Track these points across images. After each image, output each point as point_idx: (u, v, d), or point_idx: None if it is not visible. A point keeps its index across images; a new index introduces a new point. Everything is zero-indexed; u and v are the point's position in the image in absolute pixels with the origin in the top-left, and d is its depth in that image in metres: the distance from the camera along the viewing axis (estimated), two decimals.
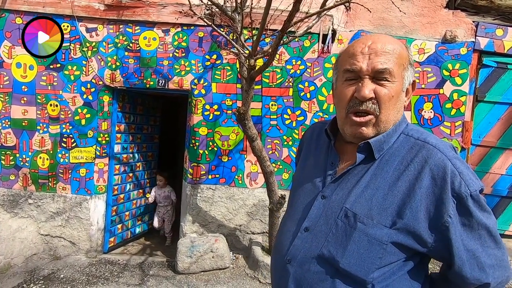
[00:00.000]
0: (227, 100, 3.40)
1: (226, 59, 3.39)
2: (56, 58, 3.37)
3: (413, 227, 0.70)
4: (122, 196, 3.74)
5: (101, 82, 3.40)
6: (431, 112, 3.35)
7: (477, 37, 3.31)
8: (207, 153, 3.43)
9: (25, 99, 3.38)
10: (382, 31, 3.38)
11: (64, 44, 3.35)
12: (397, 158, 0.76)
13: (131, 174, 3.89)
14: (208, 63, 3.40)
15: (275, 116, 3.42)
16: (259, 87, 3.38)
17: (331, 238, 0.76)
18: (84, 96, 3.40)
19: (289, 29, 1.59)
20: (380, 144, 0.77)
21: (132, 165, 3.90)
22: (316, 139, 0.97)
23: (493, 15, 3.34)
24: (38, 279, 2.96)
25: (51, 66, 3.37)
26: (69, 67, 3.38)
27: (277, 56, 3.34)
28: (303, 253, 0.79)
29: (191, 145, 3.45)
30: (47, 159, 3.40)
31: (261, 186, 3.39)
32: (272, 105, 3.41)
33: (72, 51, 3.37)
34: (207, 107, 3.41)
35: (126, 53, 3.39)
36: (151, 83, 3.40)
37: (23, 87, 3.38)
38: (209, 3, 2.52)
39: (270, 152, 3.41)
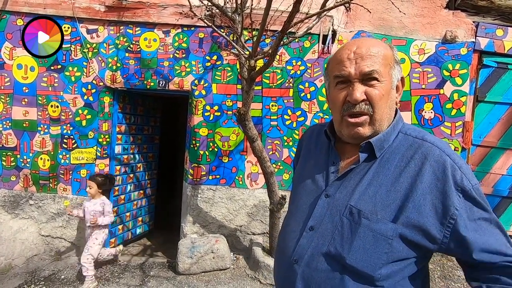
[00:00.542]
0: (228, 101, 3.41)
1: (226, 60, 3.40)
2: (57, 59, 3.38)
3: (418, 222, 0.71)
4: (122, 197, 3.75)
5: (101, 83, 3.41)
6: (431, 112, 3.35)
7: (477, 37, 3.31)
8: (207, 153, 3.43)
9: (26, 100, 3.39)
10: (382, 31, 3.38)
11: (65, 46, 3.36)
12: (397, 156, 0.79)
13: (131, 175, 3.89)
14: (209, 64, 3.40)
15: (275, 117, 3.42)
16: (260, 87, 3.39)
17: (337, 236, 0.77)
18: (85, 97, 3.40)
19: (289, 30, 1.59)
20: (381, 143, 0.80)
21: (132, 166, 3.90)
22: (315, 140, 0.99)
23: (493, 15, 3.34)
24: (39, 280, 2.97)
25: (52, 68, 3.38)
26: (70, 68, 3.39)
27: (277, 57, 3.35)
28: (310, 252, 0.80)
29: (192, 146, 3.45)
30: (48, 160, 3.40)
31: (261, 187, 3.40)
32: (272, 105, 3.42)
33: (73, 52, 3.38)
34: (208, 108, 3.42)
35: (127, 54, 3.40)
36: (152, 84, 3.40)
37: (24, 88, 3.39)
38: (209, 4, 2.53)
39: (271, 152, 3.41)
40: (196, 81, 3.41)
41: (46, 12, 3.31)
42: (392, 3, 2.65)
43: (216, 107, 3.41)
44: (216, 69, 3.41)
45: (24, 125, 3.39)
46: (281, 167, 3.42)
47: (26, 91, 3.39)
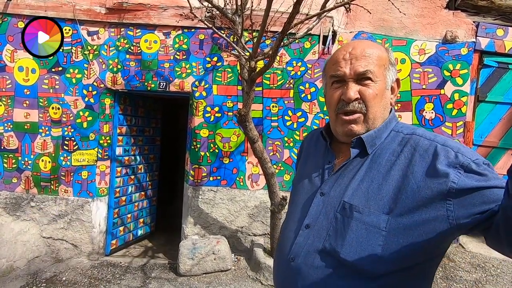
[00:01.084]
0: (228, 102, 3.41)
1: (227, 61, 3.40)
2: (57, 62, 3.39)
3: (415, 209, 0.69)
4: (124, 198, 3.75)
5: (102, 85, 3.42)
6: (432, 112, 3.35)
7: (477, 37, 3.31)
8: (208, 155, 3.43)
9: (27, 102, 3.40)
10: (382, 32, 3.38)
11: (65, 48, 3.37)
12: (388, 151, 0.80)
13: (133, 177, 3.90)
14: (209, 65, 3.41)
15: (276, 118, 3.42)
16: (260, 89, 3.39)
17: (332, 232, 0.78)
18: (86, 99, 3.41)
19: (289, 31, 1.60)
20: (372, 139, 0.82)
21: (133, 168, 3.91)
22: (314, 144, 1.01)
23: (493, 15, 3.34)
24: (40, 281, 2.97)
25: (53, 70, 3.39)
26: (71, 70, 3.40)
27: (278, 58, 3.35)
28: (306, 249, 0.80)
29: (192, 147, 3.45)
30: (49, 162, 3.41)
31: (262, 188, 3.39)
32: (273, 106, 3.42)
33: (73, 54, 3.39)
34: (208, 109, 3.42)
35: (128, 56, 3.41)
36: (152, 85, 3.41)
37: (25, 90, 3.40)
38: (210, 5, 2.54)
39: (271, 153, 3.41)
40: (196, 83, 3.41)
41: (47, 14, 3.33)
42: (392, 3, 2.66)
43: (216, 108, 3.42)
44: (217, 71, 3.41)
45: (26, 127, 3.40)
46: (282, 168, 3.42)
47: (27, 93, 3.40)
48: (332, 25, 3.35)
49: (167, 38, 3.40)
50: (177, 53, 3.40)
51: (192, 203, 3.45)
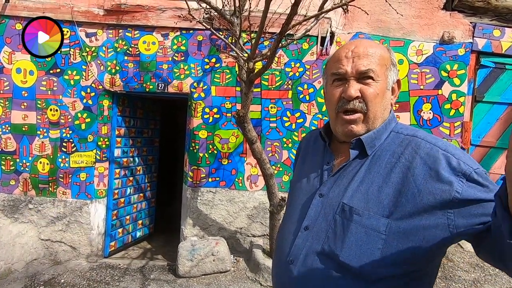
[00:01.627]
0: (227, 103, 3.42)
1: (225, 62, 3.41)
2: (56, 63, 3.39)
3: (415, 214, 0.68)
4: (122, 200, 3.74)
5: (101, 87, 3.41)
6: (430, 113, 3.36)
7: (474, 38, 3.33)
8: (207, 156, 3.43)
9: (25, 104, 3.39)
10: (380, 33, 3.40)
11: (64, 49, 3.37)
12: (388, 153, 0.79)
13: (131, 178, 3.89)
14: (207, 66, 3.41)
15: (274, 119, 3.42)
16: (259, 90, 3.39)
17: (331, 234, 0.77)
18: (84, 101, 3.41)
19: (287, 32, 1.60)
20: (372, 140, 0.81)
21: (132, 169, 3.90)
22: (312, 145, 1.00)
23: (490, 16, 3.36)
24: (38, 284, 2.96)
25: (51, 71, 3.39)
26: (69, 72, 3.39)
27: (276, 59, 3.36)
28: (305, 251, 0.79)
29: (191, 148, 3.45)
30: (47, 163, 3.40)
31: (261, 189, 3.39)
32: (271, 107, 3.42)
33: (71, 56, 3.39)
34: (207, 110, 3.42)
35: (126, 58, 3.41)
36: (151, 87, 3.41)
37: (23, 92, 3.39)
38: (208, 7, 2.54)
39: (270, 154, 3.41)
40: (195, 84, 3.42)
41: (45, 16, 3.32)
42: (390, 4, 2.67)
43: (215, 110, 3.42)
44: (215, 72, 3.42)
45: (23, 129, 3.39)
46: (280, 169, 3.42)
47: (25, 95, 3.39)
48: (330, 26, 3.36)
49: (165, 39, 3.40)
50: (176, 54, 3.41)
51: (191, 205, 3.45)
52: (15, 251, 3.18)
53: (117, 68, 3.40)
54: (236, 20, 2.55)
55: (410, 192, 0.70)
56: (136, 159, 3.97)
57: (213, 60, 3.41)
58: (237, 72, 2.99)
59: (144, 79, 3.41)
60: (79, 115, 3.40)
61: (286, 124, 3.43)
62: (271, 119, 3.43)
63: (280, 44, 2.25)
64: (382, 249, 0.71)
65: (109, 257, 3.56)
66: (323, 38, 3.37)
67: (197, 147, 3.43)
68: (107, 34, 3.40)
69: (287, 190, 3.37)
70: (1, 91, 3.38)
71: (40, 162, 3.40)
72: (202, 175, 3.44)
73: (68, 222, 3.39)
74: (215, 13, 2.75)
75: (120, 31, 3.39)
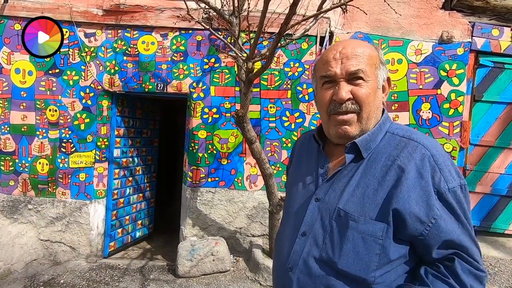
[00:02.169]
0: (226, 103, 3.42)
1: (224, 62, 3.41)
2: (55, 64, 3.38)
3: (403, 217, 0.71)
4: (122, 200, 3.74)
5: (100, 87, 3.41)
6: (429, 112, 3.36)
7: (473, 37, 3.33)
8: (206, 156, 3.43)
9: (24, 104, 3.39)
10: (379, 32, 3.40)
11: (63, 50, 3.36)
12: (384, 155, 0.78)
13: (130, 178, 3.89)
14: (207, 66, 3.41)
15: (273, 119, 3.43)
16: (258, 89, 3.39)
17: (328, 240, 0.77)
18: (83, 101, 3.41)
19: (286, 32, 1.60)
20: (367, 143, 0.80)
21: (131, 169, 3.90)
22: (306, 147, 0.99)
23: (489, 16, 3.37)
24: (38, 284, 2.95)
25: (50, 72, 3.38)
26: (68, 72, 3.39)
27: (275, 58, 3.36)
28: (303, 258, 0.79)
29: (191, 148, 3.45)
30: (47, 164, 3.40)
31: (260, 189, 3.40)
32: (270, 107, 3.42)
33: (70, 56, 3.39)
34: (206, 110, 3.42)
35: (125, 58, 3.40)
36: (150, 87, 3.41)
37: (22, 92, 3.38)
38: (207, 7, 2.54)
39: (269, 154, 3.41)
40: (194, 84, 3.42)
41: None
42: (388, 4, 2.67)
43: (214, 110, 3.42)
44: (214, 72, 3.42)
45: (23, 129, 3.39)
46: (280, 169, 3.42)
47: (24, 95, 3.39)
48: (329, 26, 3.36)
49: (164, 39, 3.40)
50: (175, 54, 3.41)
51: (191, 205, 3.45)
52: (14, 252, 3.18)
53: (116, 68, 3.40)
54: (235, 20, 2.55)
55: (401, 196, 0.72)
56: (136, 159, 3.97)
57: (212, 60, 3.41)
58: (236, 72, 2.99)
59: (143, 79, 3.41)
60: (78, 115, 3.40)
61: (285, 124, 3.43)
62: (270, 119, 3.43)
63: (279, 44, 2.25)
64: (380, 254, 0.72)
65: (109, 257, 3.56)
66: (322, 38, 3.37)
67: (196, 147, 3.43)
68: (106, 34, 3.39)
69: None
70: (0, 92, 3.38)
71: (40, 163, 3.40)
72: (201, 175, 3.44)
73: (67, 222, 3.39)
74: (214, 13, 2.75)
75: (119, 31, 3.39)
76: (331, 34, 3.38)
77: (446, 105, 3.35)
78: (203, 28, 2.69)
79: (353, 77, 0.79)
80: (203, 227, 3.45)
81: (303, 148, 1.01)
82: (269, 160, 3.14)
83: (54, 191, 3.40)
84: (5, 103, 3.38)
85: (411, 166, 0.73)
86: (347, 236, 0.74)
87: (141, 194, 4.11)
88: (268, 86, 3.42)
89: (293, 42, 3.02)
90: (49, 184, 3.40)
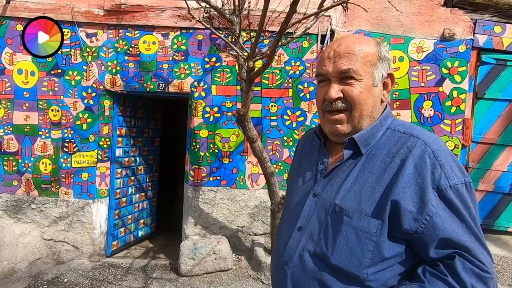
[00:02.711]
0: (227, 102, 3.42)
1: (225, 61, 3.41)
2: (56, 64, 3.40)
3: (397, 213, 0.70)
4: (124, 199, 3.76)
5: (101, 87, 3.42)
6: (431, 110, 3.35)
7: (475, 34, 3.32)
8: (208, 155, 3.44)
9: (26, 105, 3.40)
10: (380, 30, 3.39)
11: (64, 50, 3.38)
12: (383, 152, 0.77)
13: (133, 178, 3.90)
14: (208, 65, 3.42)
15: (275, 117, 3.43)
16: (259, 88, 3.40)
17: (323, 235, 0.77)
18: (85, 101, 3.42)
19: (287, 31, 1.60)
20: (365, 139, 0.79)
21: (133, 169, 3.91)
22: (309, 145, 1.00)
23: (491, 12, 3.35)
24: (42, 283, 2.98)
25: (52, 72, 3.40)
26: (70, 72, 3.40)
27: (276, 57, 3.36)
28: (298, 252, 0.79)
29: (192, 147, 3.46)
30: (50, 164, 3.42)
31: (262, 187, 3.40)
32: (272, 106, 3.42)
33: (72, 56, 3.40)
34: (207, 109, 3.43)
35: (126, 58, 3.41)
36: (151, 86, 3.42)
37: (25, 93, 3.40)
38: (207, 6, 2.54)
39: (271, 153, 3.42)
40: (195, 83, 3.42)
41: None
42: (389, 1, 2.66)
43: (216, 109, 3.42)
44: (215, 71, 3.42)
45: (25, 129, 3.41)
46: (281, 167, 3.43)
47: (27, 95, 3.40)
48: (330, 24, 3.35)
49: (165, 39, 3.41)
50: (176, 54, 3.41)
51: (193, 204, 3.46)
52: (18, 251, 3.20)
53: (118, 68, 3.41)
54: (235, 19, 2.55)
55: (397, 192, 0.70)
56: (138, 158, 3.98)
57: (213, 59, 3.41)
58: (237, 71, 2.99)
59: (145, 79, 3.42)
60: (81, 115, 3.42)
61: (287, 123, 3.43)
62: (271, 118, 3.43)
63: (280, 43, 2.25)
64: (373, 251, 0.71)
65: (112, 256, 3.58)
66: (323, 36, 3.37)
67: (198, 146, 3.44)
68: (108, 34, 3.40)
69: None
70: (3, 92, 3.40)
71: (42, 163, 3.42)
72: (203, 174, 3.45)
73: (70, 222, 3.41)
74: (215, 12, 2.75)
75: (121, 31, 3.40)
76: (332, 32, 3.37)
77: (448, 103, 3.34)
78: (204, 27, 2.70)
79: (344, 76, 0.79)
80: (205, 226, 3.46)
81: (306, 145, 1.02)
82: (271, 159, 3.14)
83: (57, 190, 3.42)
84: (8, 104, 3.40)
85: (408, 162, 0.71)
86: (341, 232, 0.74)
87: (143, 194, 4.13)
88: (269, 85, 3.42)
89: (294, 40, 3.02)
90: (52, 184, 3.42)
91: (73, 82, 3.41)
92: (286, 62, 3.40)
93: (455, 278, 0.68)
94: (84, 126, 3.42)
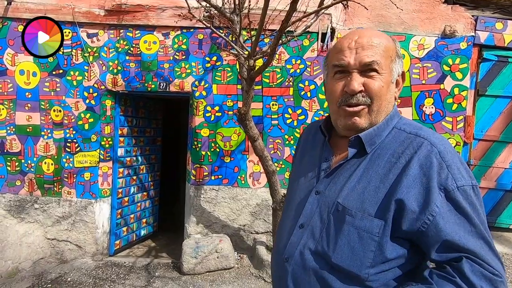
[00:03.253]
0: (228, 101, 3.42)
1: (226, 60, 3.41)
2: (58, 64, 3.41)
3: (400, 214, 0.69)
4: (126, 199, 3.77)
5: (103, 87, 3.44)
6: (432, 107, 3.35)
7: (476, 31, 3.30)
8: (209, 154, 3.45)
9: (29, 105, 3.42)
10: (381, 28, 3.38)
11: (66, 50, 3.39)
12: (388, 152, 0.76)
13: (135, 177, 3.92)
14: (209, 65, 3.42)
15: (276, 116, 3.43)
16: (260, 87, 3.40)
17: (324, 234, 0.76)
18: (87, 101, 3.43)
19: (287, 29, 1.61)
20: (371, 138, 0.78)
21: (135, 168, 3.93)
22: (312, 138, 0.97)
23: (492, 9, 3.33)
24: (46, 282, 3.00)
25: (54, 72, 3.41)
26: (72, 72, 3.42)
27: (277, 56, 3.36)
28: (299, 250, 0.79)
29: (194, 146, 3.47)
30: (52, 164, 3.44)
31: (263, 186, 3.41)
32: (273, 104, 3.43)
33: (74, 56, 3.41)
34: (209, 108, 3.43)
35: (127, 57, 3.42)
36: (153, 86, 3.43)
37: (27, 93, 3.42)
38: (208, 5, 2.55)
39: (272, 151, 3.42)
40: (196, 82, 3.43)
41: None
42: None
43: (217, 108, 3.43)
44: (216, 70, 3.42)
45: (28, 130, 3.43)
46: (283, 166, 3.43)
47: (29, 96, 3.42)
48: (331, 22, 3.35)
49: (166, 38, 3.41)
50: (177, 53, 3.42)
51: (194, 203, 3.47)
52: (22, 251, 3.22)
53: (119, 68, 3.42)
54: (236, 18, 2.55)
55: (400, 192, 0.69)
56: (139, 158, 4.00)
57: (214, 58, 3.42)
58: (238, 70, 2.99)
59: (146, 78, 3.43)
60: (82, 115, 3.43)
61: (288, 121, 3.43)
62: (272, 116, 3.43)
63: (280, 41, 2.25)
64: (375, 251, 0.70)
65: (114, 255, 3.60)
66: (324, 34, 3.36)
67: (199, 145, 3.45)
68: (108, 35, 3.41)
69: None
70: (5, 93, 3.42)
71: (45, 163, 3.44)
72: (205, 173, 3.46)
73: (73, 221, 3.43)
74: (215, 11, 2.75)
75: (121, 31, 3.41)
76: (333, 30, 3.37)
77: (450, 100, 3.33)
78: (204, 26, 2.70)
79: (366, 69, 0.75)
80: (207, 225, 3.47)
81: (308, 139, 0.99)
82: (272, 157, 3.15)
83: (60, 190, 3.44)
84: (10, 104, 3.42)
85: (413, 162, 0.70)
86: (343, 231, 0.73)
87: (145, 193, 4.14)
88: (270, 84, 3.42)
89: (295, 39, 3.02)
90: (55, 184, 3.44)
91: (74, 83, 3.42)
92: (286, 60, 3.40)
93: (464, 280, 0.65)
94: (86, 126, 3.44)
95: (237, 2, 2.48)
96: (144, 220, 4.13)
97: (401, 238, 0.71)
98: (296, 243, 0.80)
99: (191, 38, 3.41)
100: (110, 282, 3.00)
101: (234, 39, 2.80)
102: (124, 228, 3.76)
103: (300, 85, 3.41)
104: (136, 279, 3.06)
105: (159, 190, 4.47)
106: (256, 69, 2.21)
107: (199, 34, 3.41)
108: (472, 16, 3.32)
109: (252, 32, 2.49)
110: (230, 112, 3.42)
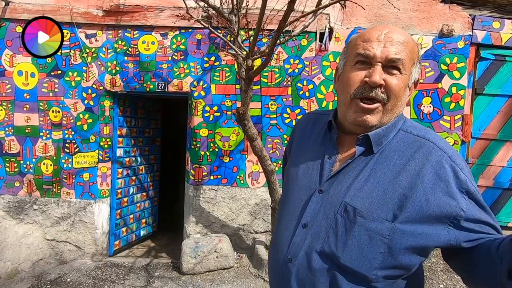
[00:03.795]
0: (227, 101, 3.43)
1: (224, 60, 3.42)
2: (56, 65, 3.41)
3: (420, 221, 0.69)
4: (125, 199, 3.78)
5: (101, 87, 3.44)
6: (430, 106, 3.36)
7: (474, 30, 3.32)
8: (208, 154, 3.46)
9: (27, 106, 3.42)
10: None
11: (64, 51, 3.39)
12: (396, 153, 0.75)
13: (134, 178, 3.92)
14: (207, 65, 3.42)
15: (274, 116, 3.44)
16: (258, 87, 3.40)
17: (331, 234, 0.74)
18: (86, 102, 3.43)
19: (285, 29, 1.61)
20: (379, 137, 0.77)
21: (134, 169, 3.93)
22: (310, 130, 0.94)
23: (489, 8, 3.34)
24: (45, 283, 3.00)
25: (52, 73, 3.41)
26: (70, 73, 3.42)
27: (275, 55, 3.36)
28: (304, 250, 0.77)
29: (192, 146, 3.47)
30: (51, 165, 3.44)
31: (262, 186, 3.42)
32: (271, 104, 3.43)
33: (72, 57, 3.41)
34: (207, 108, 3.44)
35: (126, 58, 3.42)
36: (151, 86, 3.43)
37: (25, 94, 3.42)
38: (206, 5, 2.55)
39: (271, 151, 3.43)
40: (195, 83, 3.43)
41: None
42: None
43: (215, 108, 3.43)
44: (215, 70, 3.43)
45: (26, 131, 3.43)
46: (281, 166, 3.42)
47: (27, 97, 3.42)
48: (329, 22, 3.36)
49: (164, 39, 3.42)
50: (175, 53, 3.42)
51: (194, 203, 3.48)
52: (21, 252, 3.22)
53: (117, 68, 3.42)
54: (234, 18, 2.56)
55: (417, 199, 0.69)
56: (138, 158, 4.00)
57: (213, 58, 3.42)
58: (237, 70, 3.00)
59: (144, 79, 3.43)
60: (81, 116, 3.43)
61: (287, 121, 3.44)
62: (271, 116, 3.44)
63: (278, 41, 2.26)
64: (384, 253, 0.70)
65: (114, 255, 3.60)
66: (322, 34, 3.37)
67: (198, 145, 3.45)
68: (107, 35, 3.41)
69: None
70: (4, 94, 3.41)
71: (44, 164, 3.43)
72: (204, 173, 3.46)
73: (72, 222, 3.43)
74: (213, 12, 2.75)
75: (120, 31, 3.41)
76: (331, 30, 3.38)
77: (447, 99, 3.34)
78: (202, 26, 2.71)
79: (390, 65, 0.73)
80: (207, 225, 3.48)
81: (306, 129, 0.95)
82: (271, 157, 3.15)
83: (59, 191, 3.44)
84: (9, 105, 3.42)
85: (426, 169, 0.70)
86: (353, 232, 0.72)
87: (144, 193, 4.15)
88: (269, 83, 3.43)
89: (293, 39, 3.02)
90: (54, 185, 3.44)
91: (73, 83, 3.42)
92: (285, 60, 3.41)
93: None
94: (85, 127, 3.44)
95: (235, 2, 2.48)
96: (143, 221, 4.14)
97: (417, 248, 0.70)
98: (300, 243, 0.78)
99: (189, 38, 3.42)
100: (110, 283, 3.01)
101: (232, 39, 2.81)
102: (124, 229, 3.76)
103: (299, 84, 3.41)
104: (135, 279, 3.06)
105: (159, 190, 4.48)
106: (254, 69, 2.21)
107: (197, 34, 3.41)
108: (470, 15, 3.34)
109: (250, 32, 2.50)
110: (229, 112, 3.43)
